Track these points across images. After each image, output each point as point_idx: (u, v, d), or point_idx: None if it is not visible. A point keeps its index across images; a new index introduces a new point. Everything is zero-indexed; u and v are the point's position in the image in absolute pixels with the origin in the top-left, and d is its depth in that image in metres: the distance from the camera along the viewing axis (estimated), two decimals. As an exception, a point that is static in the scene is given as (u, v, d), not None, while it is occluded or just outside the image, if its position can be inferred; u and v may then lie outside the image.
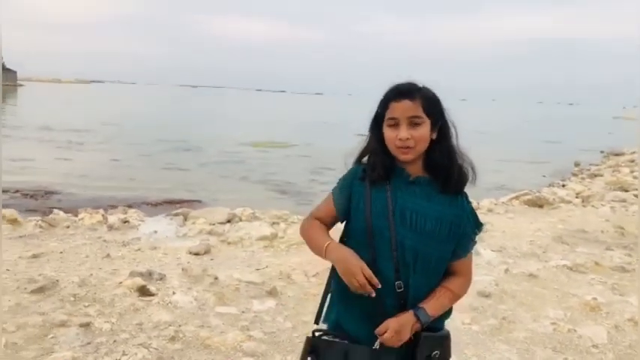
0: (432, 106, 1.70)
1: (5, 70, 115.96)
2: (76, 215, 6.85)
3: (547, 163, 23.26)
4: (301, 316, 4.09)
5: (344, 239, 1.81)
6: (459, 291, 1.77)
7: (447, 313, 1.82)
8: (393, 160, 1.74)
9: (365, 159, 1.82)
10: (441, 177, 1.72)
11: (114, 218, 6.29)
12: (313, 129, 40.17)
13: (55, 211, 6.69)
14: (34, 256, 4.97)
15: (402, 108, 1.67)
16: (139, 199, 13.19)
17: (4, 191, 13.64)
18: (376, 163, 1.74)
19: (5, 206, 12.20)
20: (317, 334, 1.78)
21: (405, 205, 1.70)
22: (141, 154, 21.51)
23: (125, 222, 6.20)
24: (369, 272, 1.63)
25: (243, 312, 4.10)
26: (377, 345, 1.68)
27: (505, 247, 6.11)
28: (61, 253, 5.14)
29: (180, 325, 3.78)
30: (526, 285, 4.96)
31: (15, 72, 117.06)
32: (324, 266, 5.07)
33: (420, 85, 1.73)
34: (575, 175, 18.48)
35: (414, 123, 1.66)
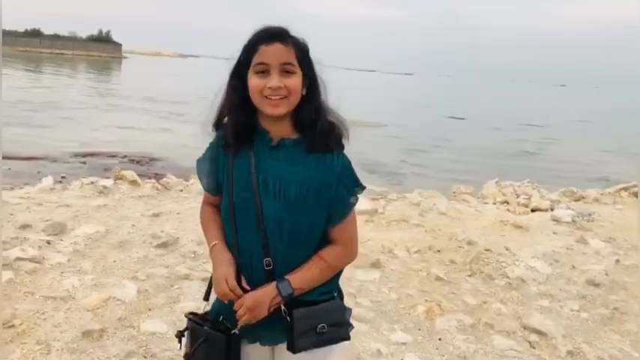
0: (304, 55, 1.51)
1: (111, 42, 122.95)
2: (187, 180, 7.25)
3: (655, 156, 21.77)
4: (405, 289, 4.17)
5: None
6: (333, 261, 1.57)
7: (333, 281, 1.62)
8: (255, 121, 1.54)
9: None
10: (308, 136, 1.52)
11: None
12: (403, 109, 39.77)
13: (169, 175, 7.10)
14: (155, 215, 5.35)
15: (275, 52, 1.46)
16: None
17: (113, 156, 14.67)
18: (236, 123, 1.53)
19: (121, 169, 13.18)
20: (190, 315, 1.66)
21: (268, 172, 1.52)
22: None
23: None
24: (232, 283, 1.51)
25: (349, 280, 4.23)
26: (237, 330, 1.55)
27: (615, 238, 5.86)
28: (178, 213, 5.49)
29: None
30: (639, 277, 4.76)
31: (120, 44, 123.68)
32: (425, 244, 5.12)
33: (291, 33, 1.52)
34: (689, 169, 17.16)
35: (286, 71, 1.46)
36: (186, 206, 5.80)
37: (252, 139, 1.54)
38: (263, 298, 1.49)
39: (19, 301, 3.37)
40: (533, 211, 6.92)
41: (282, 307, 1.51)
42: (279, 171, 1.52)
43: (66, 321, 3.23)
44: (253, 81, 1.48)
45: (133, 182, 6.47)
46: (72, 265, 3.97)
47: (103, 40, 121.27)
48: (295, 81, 1.48)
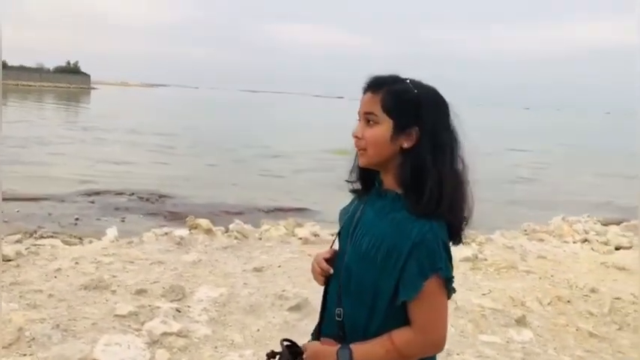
0: (397, 103, 1.36)
1: (80, 73, 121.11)
2: (257, 226, 6.88)
3: (647, 179, 22.13)
4: (570, 349, 3.91)
5: None
6: (401, 345, 1.36)
7: None
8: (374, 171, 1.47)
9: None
10: (409, 194, 1.36)
11: (304, 232, 6.28)
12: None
13: (237, 221, 6.71)
14: (257, 270, 4.97)
15: (363, 102, 1.41)
16: (250, 206, 13.36)
17: (119, 193, 14.14)
18: (354, 170, 1.52)
19: (126, 209, 12.68)
20: (285, 342, 1.55)
21: (360, 221, 1.44)
22: (234, 160, 21.95)
23: (316, 235, 6.19)
24: (318, 259, 1.53)
25: (507, 342, 3.94)
26: None
27: None
28: (279, 267, 5.13)
29: (458, 354, 3.66)
30: None
31: (89, 75, 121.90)
32: (550, 294, 4.88)
33: (404, 78, 1.41)
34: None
35: (367, 120, 1.39)
36: (281, 258, 5.43)
37: (368, 186, 1.50)
38: (322, 355, 1.41)
39: (193, 388, 2.98)
40: (617, 249, 6.75)
41: None
42: (367, 221, 1.42)
43: (253, 410, 2.85)
44: None
45: (209, 231, 6.09)
46: (220, 337, 3.59)
47: (71, 71, 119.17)
48: (374, 132, 1.37)
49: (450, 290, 1.36)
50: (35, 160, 18.37)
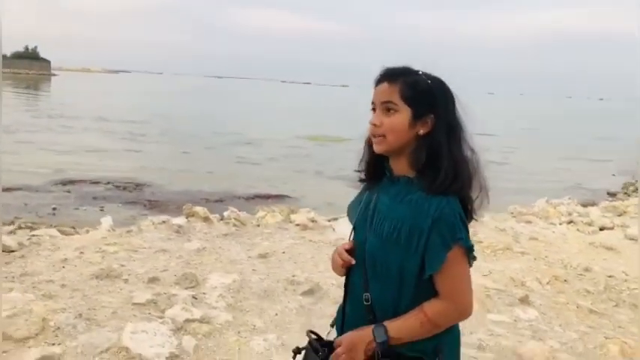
0: (414, 93, 1.47)
1: (39, 59, 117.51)
2: (252, 213, 6.88)
3: (609, 162, 22.82)
4: (574, 325, 4.07)
5: None
6: (433, 315, 1.44)
7: (432, 340, 1.49)
8: (383, 158, 1.55)
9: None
10: (424, 176, 1.46)
11: (302, 218, 6.31)
12: (359, 122, 40.00)
13: (231, 209, 6.70)
14: (262, 256, 5.00)
15: (379, 91, 1.50)
16: (229, 194, 13.32)
17: (95, 183, 13.87)
18: (367, 160, 1.59)
19: (103, 198, 12.46)
20: (312, 335, 1.64)
21: (377, 208, 1.52)
22: (207, 147, 21.71)
23: (313, 221, 6.23)
24: (339, 251, 1.58)
25: (515, 320, 4.09)
26: None
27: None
28: (283, 253, 5.17)
29: (472, 333, 3.78)
30: None
31: (49, 61, 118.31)
32: (547, 273, 5.05)
33: (416, 70, 1.52)
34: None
35: (387, 109, 1.48)
36: (283, 244, 5.47)
37: (379, 174, 1.57)
38: (359, 340, 1.46)
39: (225, 373, 3.02)
40: (601, 229, 6.99)
41: (377, 354, 1.45)
42: (384, 207, 1.50)
43: (286, 392, 2.91)
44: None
45: (206, 219, 6.07)
46: (241, 322, 3.62)
47: (29, 56, 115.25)
48: (394, 120, 1.47)
49: (470, 258, 1.47)
50: (3, 149, 17.83)
